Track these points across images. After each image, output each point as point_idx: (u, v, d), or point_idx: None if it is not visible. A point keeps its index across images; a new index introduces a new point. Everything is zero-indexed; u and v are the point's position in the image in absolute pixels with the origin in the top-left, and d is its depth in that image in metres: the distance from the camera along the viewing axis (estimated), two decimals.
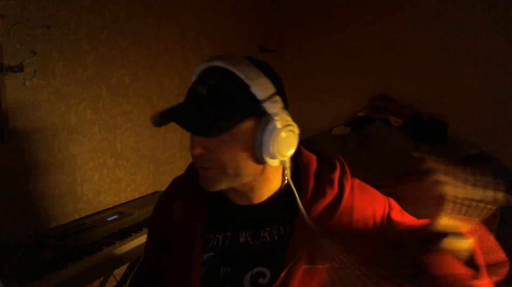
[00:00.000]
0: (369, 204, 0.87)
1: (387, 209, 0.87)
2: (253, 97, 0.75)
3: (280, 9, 3.57)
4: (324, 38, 3.58)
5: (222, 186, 0.81)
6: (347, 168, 0.88)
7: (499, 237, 2.47)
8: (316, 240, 0.78)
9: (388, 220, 0.86)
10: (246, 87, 0.75)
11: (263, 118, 0.77)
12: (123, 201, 1.97)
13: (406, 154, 3.17)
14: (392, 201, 0.90)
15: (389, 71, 3.39)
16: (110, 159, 1.91)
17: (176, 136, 2.28)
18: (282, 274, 0.78)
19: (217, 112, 0.75)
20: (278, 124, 0.76)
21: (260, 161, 0.79)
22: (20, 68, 1.47)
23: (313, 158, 0.89)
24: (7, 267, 1.25)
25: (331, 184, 0.84)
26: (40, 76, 1.56)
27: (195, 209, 0.89)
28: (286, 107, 0.80)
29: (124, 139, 1.98)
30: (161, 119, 0.78)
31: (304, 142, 0.94)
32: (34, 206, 1.58)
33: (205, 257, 0.85)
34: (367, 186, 0.91)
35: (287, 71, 3.55)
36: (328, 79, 3.60)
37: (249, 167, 0.80)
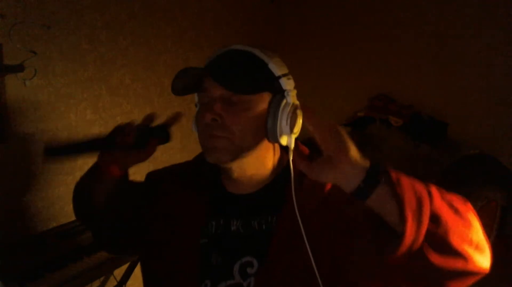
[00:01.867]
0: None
1: None
2: (270, 73, 0.81)
3: (280, 9, 3.57)
4: (324, 38, 3.58)
5: (228, 157, 0.82)
6: None
7: (499, 237, 2.46)
8: (299, 230, 0.79)
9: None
10: (265, 64, 0.81)
11: (277, 95, 0.81)
12: None
13: (406, 154, 3.18)
14: None
15: (389, 71, 3.39)
16: None
17: (176, 137, 2.27)
18: (266, 263, 0.80)
19: (243, 73, 0.81)
20: (292, 100, 0.81)
21: (270, 137, 0.81)
22: (20, 68, 1.47)
23: (305, 151, 0.90)
24: (7, 267, 1.26)
25: None
26: (40, 76, 1.56)
27: (198, 195, 0.91)
28: None
29: None
30: (186, 81, 0.82)
31: (305, 142, 0.95)
32: (34, 206, 1.58)
33: (201, 242, 0.87)
34: None
35: None
36: (328, 79, 3.60)
37: (257, 142, 0.83)
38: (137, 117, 2.08)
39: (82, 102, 1.76)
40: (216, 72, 0.82)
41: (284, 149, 0.91)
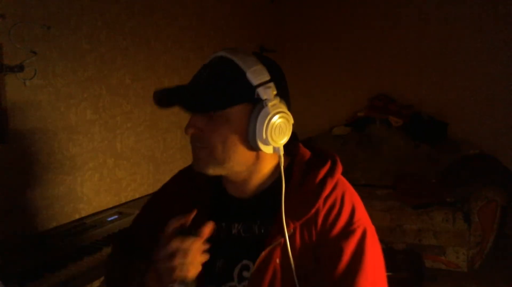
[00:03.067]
0: (347, 214, 0.83)
1: (348, 237, 0.81)
2: (248, 83, 0.79)
3: (280, 9, 3.57)
4: (324, 38, 3.58)
5: (210, 170, 0.83)
6: (338, 167, 0.86)
7: (499, 237, 2.46)
8: (292, 233, 0.80)
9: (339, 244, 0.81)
10: (243, 74, 0.78)
11: (257, 105, 0.79)
12: (123, 201, 1.97)
13: (406, 154, 3.18)
14: (368, 238, 0.84)
15: (389, 71, 3.39)
16: (110, 159, 1.91)
17: (176, 136, 2.28)
18: (255, 266, 0.80)
19: (211, 91, 0.79)
20: (270, 110, 0.78)
21: (253, 147, 0.81)
22: (20, 68, 1.46)
23: (307, 154, 0.90)
24: (7, 267, 1.26)
25: (314, 178, 0.84)
26: (40, 76, 1.55)
27: (201, 200, 0.90)
28: (284, 97, 0.82)
29: (124, 139, 1.98)
30: (160, 97, 0.82)
31: (304, 142, 0.95)
32: (34, 206, 1.58)
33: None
34: (360, 202, 0.87)
35: (287, 71, 3.54)
36: (328, 79, 3.61)
37: (240, 153, 0.82)
38: (137, 117, 2.10)
39: (82, 102, 1.76)
40: (182, 95, 0.81)
41: (286, 154, 0.89)
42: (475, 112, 3.11)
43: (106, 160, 1.89)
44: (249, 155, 0.83)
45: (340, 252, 0.79)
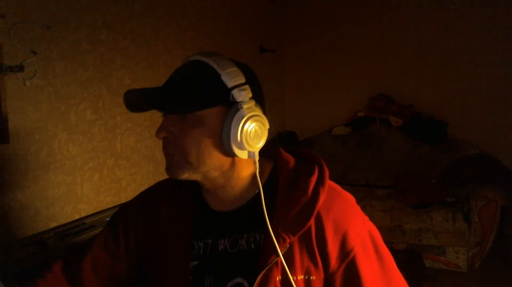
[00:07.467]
0: (345, 219, 0.82)
1: (358, 242, 0.82)
2: (223, 85, 0.77)
3: (280, 9, 3.57)
4: (324, 38, 3.58)
5: (185, 175, 0.81)
6: (326, 174, 0.84)
7: (499, 237, 2.46)
8: (288, 248, 0.78)
9: (349, 261, 0.81)
10: (217, 75, 0.77)
11: (232, 108, 0.78)
12: (123, 201, 1.96)
13: (406, 154, 3.18)
14: (372, 233, 0.86)
15: (389, 71, 3.39)
16: (110, 159, 1.91)
17: None
18: (255, 285, 0.77)
19: (185, 92, 0.78)
20: (246, 112, 0.77)
21: (228, 152, 0.79)
22: (20, 68, 1.46)
23: (291, 160, 0.87)
24: (7, 267, 1.26)
25: (305, 189, 0.81)
26: (40, 76, 1.56)
27: (182, 216, 0.87)
28: (259, 102, 0.81)
29: (124, 139, 1.98)
30: (131, 100, 0.80)
31: (287, 145, 0.92)
32: (34, 206, 1.58)
33: (190, 266, 0.84)
34: (356, 206, 0.87)
35: (287, 71, 3.55)
36: (328, 79, 3.60)
37: (214, 157, 0.80)
38: (137, 117, 2.10)
39: (82, 102, 1.76)
40: (155, 96, 0.79)
41: (268, 159, 0.87)
42: (475, 112, 3.11)
43: (106, 160, 1.89)
44: (224, 160, 0.81)
45: (355, 273, 0.80)
